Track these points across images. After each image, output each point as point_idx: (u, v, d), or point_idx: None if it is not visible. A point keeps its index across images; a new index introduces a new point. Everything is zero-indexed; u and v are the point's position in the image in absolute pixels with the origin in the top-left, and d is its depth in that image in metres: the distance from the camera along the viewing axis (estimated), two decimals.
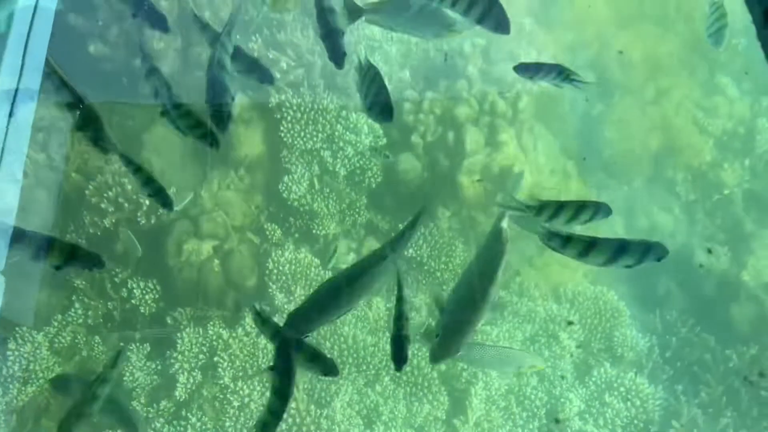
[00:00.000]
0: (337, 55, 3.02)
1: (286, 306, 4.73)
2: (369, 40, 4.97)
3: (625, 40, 5.64)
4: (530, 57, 5.31)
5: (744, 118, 5.64)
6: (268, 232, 4.95)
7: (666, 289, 5.60)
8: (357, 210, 5.08)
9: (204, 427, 4.37)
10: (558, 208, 2.76)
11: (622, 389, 4.85)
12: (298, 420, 4.36)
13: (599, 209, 2.82)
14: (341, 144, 4.63)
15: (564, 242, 2.72)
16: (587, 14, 5.50)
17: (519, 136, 5.09)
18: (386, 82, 3.01)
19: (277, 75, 4.35)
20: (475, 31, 5.27)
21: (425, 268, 5.19)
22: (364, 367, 4.67)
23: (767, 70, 5.62)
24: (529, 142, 5.23)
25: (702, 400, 4.78)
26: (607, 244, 2.65)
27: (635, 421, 4.66)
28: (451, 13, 3.05)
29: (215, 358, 4.57)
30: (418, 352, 4.68)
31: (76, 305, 4.60)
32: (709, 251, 5.36)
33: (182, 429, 4.39)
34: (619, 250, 2.64)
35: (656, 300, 5.62)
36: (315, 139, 4.60)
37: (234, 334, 4.62)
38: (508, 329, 5.19)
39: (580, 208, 2.82)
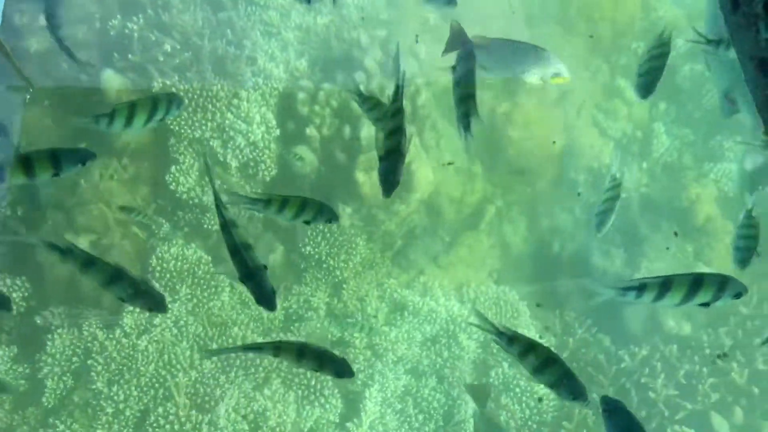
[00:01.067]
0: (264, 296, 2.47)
1: (169, 305, 4.42)
2: (266, 25, 4.72)
3: (530, 39, 5.58)
4: (433, 52, 5.19)
5: (642, 122, 5.69)
6: (154, 227, 4.62)
7: (566, 290, 5.62)
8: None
9: None
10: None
11: (517, 390, 4.79)
12: (177, 427, 4.07)
13: None
14: (232, 134, 4.37)
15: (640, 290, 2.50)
16: (494, 10, 5.42)
17: (420, 132, 4.97)
18: None
19: (160, 58, 4.05)
20: (375, 21, 5.21)
21: (324, 266, 5.00)
22: (253, 370, 4.43)
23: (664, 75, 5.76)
24: (432, 139, 5.16)
25: (593, 400, 4.77)
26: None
27: (529, 422, 4.61)
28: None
29: (89, 361, 4.23)
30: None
31: None
32: (675, 234, 5.34)
33: None
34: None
35: (557, 300, 5.63)
36: (204, 127, 4.32)
37: (111, 336, 4.29)
38: (407, 330, 5.08)
39: None
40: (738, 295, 2.50)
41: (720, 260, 5.23)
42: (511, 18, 5.71)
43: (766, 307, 5.13)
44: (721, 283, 2.46)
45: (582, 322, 5.42)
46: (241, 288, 4.83)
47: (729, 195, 5.43)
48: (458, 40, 3.24)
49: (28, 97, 4.36)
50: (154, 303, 2.66)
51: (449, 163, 5.46)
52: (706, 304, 2.52)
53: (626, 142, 5.84)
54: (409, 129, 4.90)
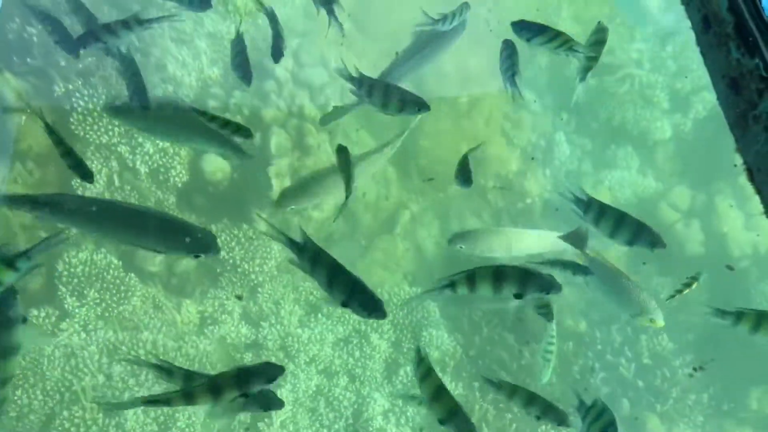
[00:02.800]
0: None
1: (76, 310, 4.38)
2: (178, 32, 4.71)
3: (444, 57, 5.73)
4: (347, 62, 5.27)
5: (545, 132, 5.90)
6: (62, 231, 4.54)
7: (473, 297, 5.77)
8: (166, 209, 4.82)
9: None
10: None
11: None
12: (83, 430, 4.03)
13: None
14: (140, 140, 4.35)
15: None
16: (403, 24, 5.53)
17: (333, 140, 5.03)
18: None
19: (62, 63, 4.01)
20: (291, 32, 5.26)
21: (239, 270, 5.01)
22: None
23: (566, 87, 6.03)
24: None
25: (494, 396, 4.98)
26: None
27: (430, 419, 4.75)
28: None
29: None
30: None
31: None
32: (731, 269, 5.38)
33: None
34: None
35: (466, 301, 5.77)
36: (111, 133, 4.29)
37: None
38: (320, 331, 5.15)
39: None
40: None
41: (612, 258, 5.46)
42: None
43: None
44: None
45: (488, 321, 5.58)
46: (154, 292, 4.82)
47: (621, 201, 5.68)
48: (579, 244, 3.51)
49: None
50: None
51: (430, 179, 5.68)
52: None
53: (531, 150, 6.03)
54: (316, 136, 5.02)
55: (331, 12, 3.63)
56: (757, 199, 5.54)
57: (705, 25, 2.70)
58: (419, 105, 3.03)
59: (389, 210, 5.89)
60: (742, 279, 5.29)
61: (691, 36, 5.46)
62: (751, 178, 2.67)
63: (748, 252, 5.23)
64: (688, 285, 3.74)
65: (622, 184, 5.73)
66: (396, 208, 5.92)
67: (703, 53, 2.67)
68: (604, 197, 5.71)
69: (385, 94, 3.11)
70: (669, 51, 5.55)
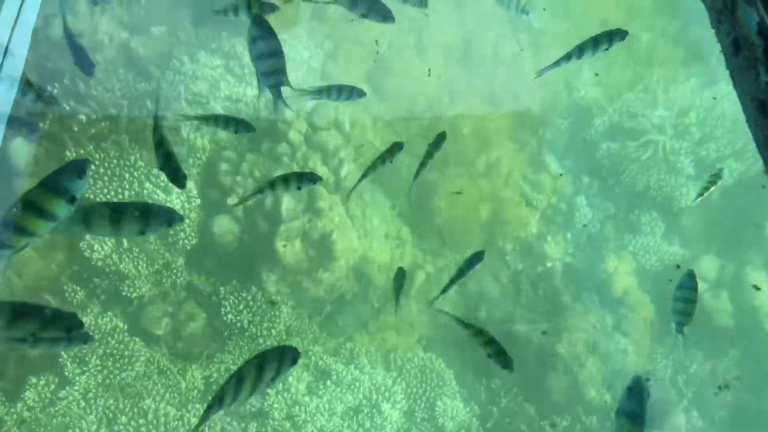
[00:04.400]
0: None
1: (77, 378, 4.21)
2: (194, 95, 4.66)
3: (456, 114, 5.67)
4: (359, 125, 5.22)
5: (566, 194, 5.72)
6: (68, 294, 4.42)
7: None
8: (174, 271, 4.68)
9: None
10: None
11: None
12: None
13: None
14: (150, 202, 4.23)
15: None
16: (419, 87, 5.49)
17: (346, 202, 4.88)
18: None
19: (75, 128, 3.93)
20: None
21: (247, 333, 4.83)
22: None
23: (587, 150, 5.88)
24: (358, 208, 5.06)
25: None
26: None
27: None
28: None
29: None
30: None
31: None
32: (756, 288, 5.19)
33: None
34: None
35: (483, 368, 5.52)
36: (120, 196, 4.18)
37: (12, 409, 4.03)
38: (329, 399, 4.91)
39: None
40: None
41: (637, 332, 5.22)
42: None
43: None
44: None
45: (507, 390, 5.31)
46: (159, 357, 4.64)
47: (647, 267, 5.44)
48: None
49: None
50: None
51: (458, 193, 5.59)
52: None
53: (551, 213, 5.84)
54: (327, 199, 4.87)
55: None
56: None
57: (735, 48, 2.57)
58: (384, 16, 3.06)
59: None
60: None
61: (714, 104, 5.29)
62: None
63: None
64: (712, 182, 3.56)
65: (646, 249, 5.49)
66: (411, 269, 5.69)
67: (732, 76, 2.54)
68: (629, 263, 5.49)
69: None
70: (692, 117, 5.37)
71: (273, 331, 4.96)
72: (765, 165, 2.38)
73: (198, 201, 4.45)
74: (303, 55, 5.23)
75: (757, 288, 5.03)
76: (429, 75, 5.64)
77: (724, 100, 5.29)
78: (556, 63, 3.27)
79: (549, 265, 5.72)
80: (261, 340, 4.90)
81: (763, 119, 2.55)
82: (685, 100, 5.44)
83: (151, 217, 2.35)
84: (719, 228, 5.46)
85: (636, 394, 2.55)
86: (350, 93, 3.80)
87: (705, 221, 5.50)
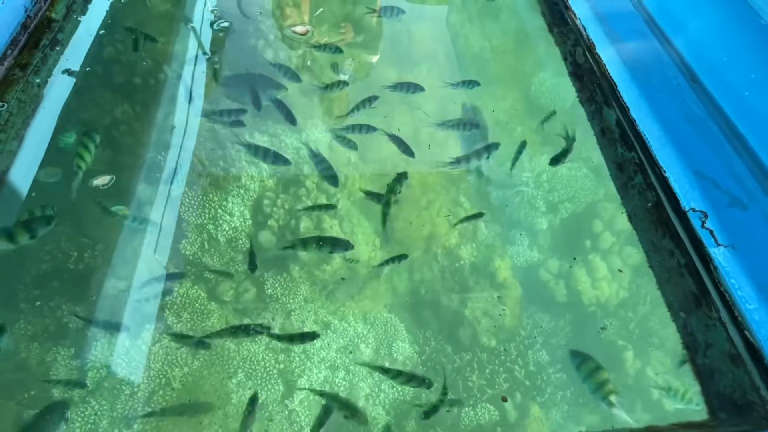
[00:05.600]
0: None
1: (174, 326, 4.28)
2: (249, 156, 4.79)
3: (410, 172, 5.79)
4: (350, 178, 5.32)
5: (474, 222, 5.86)
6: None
7: (427, 316, 5.61)
8: (237, 263, 4.79)
9: None
10: None
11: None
12: None
13: None
14: (220, 222, 4.38)
15: None
16: (388, 156, 5.60)
17: (341, 223, 5.01)
18: None
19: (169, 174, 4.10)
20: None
21: (281, 300, 4.92)
22: None
23: (484, 194, 6.04)
24: (348, 227, 5.19)
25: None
26: None
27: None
28: None
29: None
30: None
31: None
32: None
33: None
34: None
35: (423, 321, 5.59)
36: (203, 216, 4.32)
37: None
38: (328, 341, 4.99)
39: None
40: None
41: (512, 300, 5.31)
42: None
43: None
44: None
45: (435, 338, 5.40)
46: (225, 313, 4.74)
47: (517, 264, 5.55)
48: None
49: None
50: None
51: (447, 216, 5.58)
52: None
53: (464, 232, 5.95)
54: (329, 221, 5.02)
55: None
56: (600, 268, 5.31)
57: (602, 133, 2.78)
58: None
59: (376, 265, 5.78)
60: (591, 318, 5.11)
61: (556, 170, 5.42)
62: (630, 219, 2.68)
63: (593, 301, 5.08)
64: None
65: (518, 254, 5.62)
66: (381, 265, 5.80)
67: (600, 148, 2.73)
68: (508, 262, 5.60)
69: None
70: (544, 177, 5.57)
71: (296, 299, 5.05)
72: (621, 199, 2.53)
73: (249, 221, 4.58)
74: (317, 135, 5.36)
75: (620, 271, 5.11)
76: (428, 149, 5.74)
77: (562, 168, 5.47)
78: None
79: (462, 262, 5.84)
80: (288, 305, 4.97)
81: (619, 173, 2.79)
82: (540, 167, 5.66)
83: (337, 245, 2.44)
84: (560, 243, 5.62)
85: None
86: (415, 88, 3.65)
87: (552, 239, 5.65)
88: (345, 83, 5.33)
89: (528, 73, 6.45)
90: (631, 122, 2.77)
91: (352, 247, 3.02)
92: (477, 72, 6.51)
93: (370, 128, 4.18)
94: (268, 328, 4.45)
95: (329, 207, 3.61)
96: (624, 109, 2.82)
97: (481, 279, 5.61)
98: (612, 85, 2.97)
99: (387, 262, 3.75)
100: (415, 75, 6.28)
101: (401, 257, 3.78)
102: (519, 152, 4.61)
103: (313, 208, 3.65)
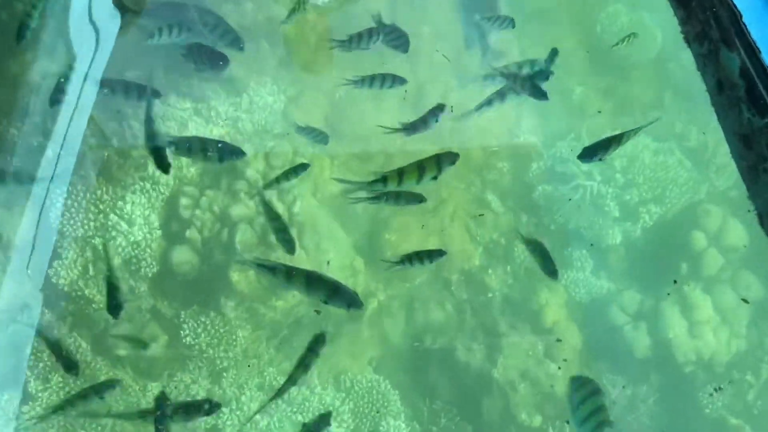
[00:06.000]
0: None
1: (39, 394, 4.17)
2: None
3: (408, 156, 5.70)
4: (317, 164, 5.28)
5: (506, 230, 5.76)
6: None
7: (434, 380, 5.53)
8: (138, 296, 4.68)
9: None
10: None
11: None
12: None
13: None
14: (114, 233, 4.26)
15: None
16: (374, 131, 5.56)
17: (300, 236, 4.93)
18: None
19: (42, 163, 3.99)
20: (267, 135, 5.27)
21: (205, 355, 4.82)
22: None
23: (526, 190, 5.98)
24: (311, 241, 5.10)
25: None
26: None
27: None
28: None
29: None
30: None
31: None
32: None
33: None
34: None
35: (427, 390, 5.52)
36: (86, 227, 4.21)
37: None
38: (279, 418, 4.88)
39: None
40: None
41: (568, 354, 5.26)
42: None
43: None
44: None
45: (447, 411, 5.32)
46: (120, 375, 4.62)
47: (576, 299, 5.51)
48: None
49: None
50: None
51: (480, 215, 5.69)
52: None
53: (492, 247, 5.89)
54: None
55: None
56: (702, 306, 5.29)
57: (718, 88, 2.66)
58: None
59: None
60: (689, 383, 5.06)
61: (636, 154, 5.40)
62: (761, 222, 2.57)
63: (692, 358, 5.01)
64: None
65: (576, 283, 5.55)
66: (363, 297, 5.71)
67: (717, 113, 2.63)
68: (559, 298, 5.54)
69: None
70: (617, 165, 5.53)
71: (230, 353, 4.96)
72: (748, 191, 2.47)
73: (159, 232, 4.47)
74: (267, 100, 5.30)
75: (745, 301, 5.10)
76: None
77: (645, 150, 5.42)
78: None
79: (489, 295, 5.74)
80: (218, 362, 4.88)
81: (746, 151, 2.67)
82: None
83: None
84: (640, 267, 5.56)
85: None
86: (392, 81, 3.82)
87: (629, 261, 5.58)
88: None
89: (591, 4, 6.45)
90: (765, 71, 2.61)
91: (361, 306, 3.05)
92: (513, 4, 6.46)
93: (396, 80, 3.99)
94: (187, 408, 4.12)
95: (300, 169, 3.55)
96: (753, 51, 2.66)
97: (519, 321, 5.52)
98: (735, 15, 2.80)
99: (408, 259, 3.51)
100: (417, 5, 6.21)
101: (434, 254, 3.56)
102: (547, 68, 4.23)
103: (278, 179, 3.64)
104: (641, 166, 5.52)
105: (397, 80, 3.93)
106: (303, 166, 4.05)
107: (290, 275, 2.95)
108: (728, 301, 5.19)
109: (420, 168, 3.23)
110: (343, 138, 5.71)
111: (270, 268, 2.93)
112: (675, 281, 5.15)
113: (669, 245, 5.47)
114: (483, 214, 5.74)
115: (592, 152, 3.47)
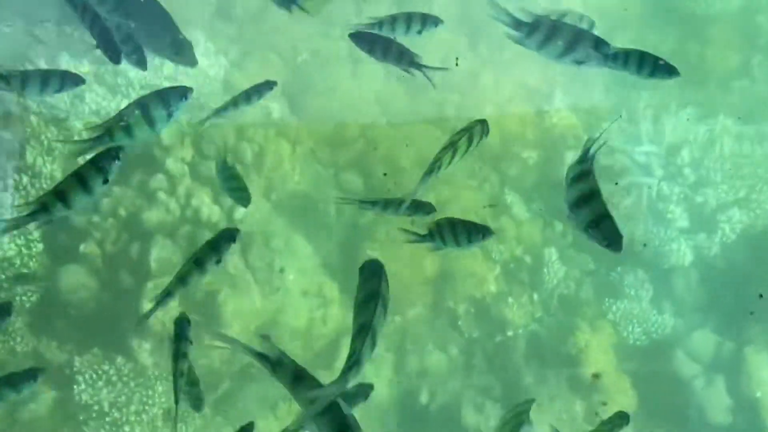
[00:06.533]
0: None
1: None
2: (51, 108, 4.56)
3: (397, 140, 5.57)
4: (271, 153, 5.18)
5: (533, 245, 5.71)
6: None
7: None
8: (13, 336, 4.51)
9: None
10: None
11: None
12: None
13: None
14: None
15: None
16: (350, 107, 5.43)
17: (246, 251, 4.77)
18: None
19: None
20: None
21: (108, 419, 4.66)
22: None
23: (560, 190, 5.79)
24: (262, 260, 4.96)
25: None
26: None
27: None
28: None
29: None
30: None
31: None
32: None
33: None
34: None
35: None
36: None
37: None
38: None
39: None
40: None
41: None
42: None
43: None
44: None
45: None
46: None
47: (630, 341, 5.35)
48: None
49: None
50: None
51: (491, 206, 5.69)
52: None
53: (514, 268, 5.73)
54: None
55: None
56: None
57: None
58: None
59: (327, 337, 5.55)
60: None
61: (712, 141, 5.14)
62: None
63: None
64: None
65: (629, 318, 5.40)
66: (336, 336, 5.57)
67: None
68: (607, 335, 5.39)
69: None
70: (686, 156, 5.41)
71: (145, 415, 4.78)
72: None
73: (40, 246, 4.29)
74: (200, 63, 5.14)
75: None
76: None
77: (725, 135, 5.27)
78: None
79: (510, 333, 5.65)
80: (128, 428, 4.70)
81: None
82: (677, 134, 5.43)
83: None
84: (719, 297, 5.44)
85: None
86: (422, 22, 3.47)
87: (701, 286, 5.50)
88: None
89: None
90: None
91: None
92: None
93: (428, 20, 3.65)
94: None
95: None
96: None
97: (550, 372, 5.47)
98: None
99: (439, 231, 3.41)
100: None
101: (479, 231, 3.44)
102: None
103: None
104: (719, 158, 5.49)
105: (429, 21, 3.55)
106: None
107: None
108: None
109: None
110: (307, 115, 5.61)
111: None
112: (761, 295, 5.04)
113: (758, 266, 5.39)
114: (495, 205, 5.75)
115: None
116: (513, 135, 5.93)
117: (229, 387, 5.20)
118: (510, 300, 5.66)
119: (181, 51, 4.38)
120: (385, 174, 5.57)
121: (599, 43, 2.78)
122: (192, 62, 4.51)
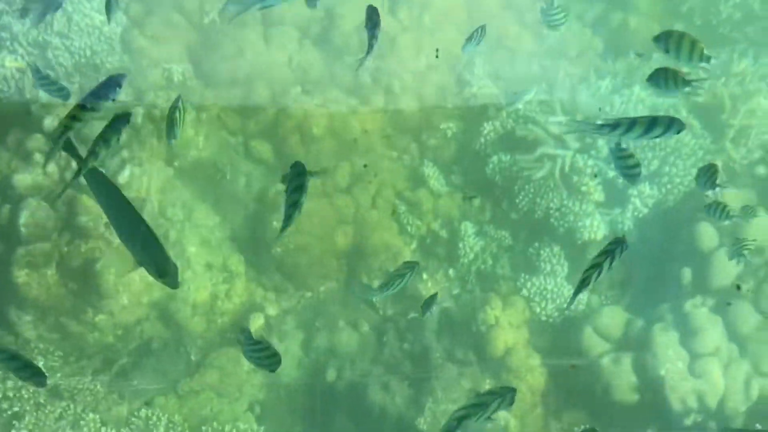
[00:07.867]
0: None
1: None
2: None
3: (311, 108, 5.44)
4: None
5: (450, 218, 5.68)
6: None
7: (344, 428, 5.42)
8: None
9: None
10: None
11: None
12: None
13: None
14: None
15: None
16: (260, 72, 5.29)
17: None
18: None
19: None
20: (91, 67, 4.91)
21: None
22: None
23: (479, 163, 5.70)
24: (160, 227, 4.79)
25: None
26: None
27: None
28: None
29: None
30: None
31: None
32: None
33: None
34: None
35: None
36: None
37: None
38: None
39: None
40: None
41: (525, 397, 5.01)
42: None
43: None
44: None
45: None
46: None
47: (542, 318, 5.28)
48: None
49: None
50: None
51: (472, 197, 5.64)
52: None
53: (431, 243, 5.64)
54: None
55: None
56: (708, 330, 5.07)
57: None
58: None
59: (233, 313, 5.46)
60: None
61: (626, 112, 5.06)
62: None
63: (692, 405, 4.78)
64: None
65: (543, 295, 5.34)
66: (243, 311, 5.49)
67: None
68: (518, 312, 5.30)
69: None
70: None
71: (30, 396, 4.67)
72: None
73: None
74: (94, 20, 4.93)
75: (738, 287, 5.05)
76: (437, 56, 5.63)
77: (639, 107, 5.17)
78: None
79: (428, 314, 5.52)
80: (8, 411, 4.60)
81: None
82: (592, 104, 5.32)
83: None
84: (632, 272, 5.42)
85: None
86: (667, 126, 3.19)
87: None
88: None
89: None
90: None
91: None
92: None
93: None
94: None
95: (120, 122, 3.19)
96: None
97: (460, 348, 5.30)
98: None
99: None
100: None
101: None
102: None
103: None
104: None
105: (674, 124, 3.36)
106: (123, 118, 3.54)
107: None
108: (747, 325, 5.02)
109: None
110: (214, 81, 5.47)
111: None
112: (738, 287, 4.94)
113: (669, 242, 5.32)
114: (475, 197, 5.68)
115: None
116: (433, 104, 5.84)
117: (125, 362, 5.13)
118: (425, 276, 5.61)
119: None
120: (365, 165, 5.56)
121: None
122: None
